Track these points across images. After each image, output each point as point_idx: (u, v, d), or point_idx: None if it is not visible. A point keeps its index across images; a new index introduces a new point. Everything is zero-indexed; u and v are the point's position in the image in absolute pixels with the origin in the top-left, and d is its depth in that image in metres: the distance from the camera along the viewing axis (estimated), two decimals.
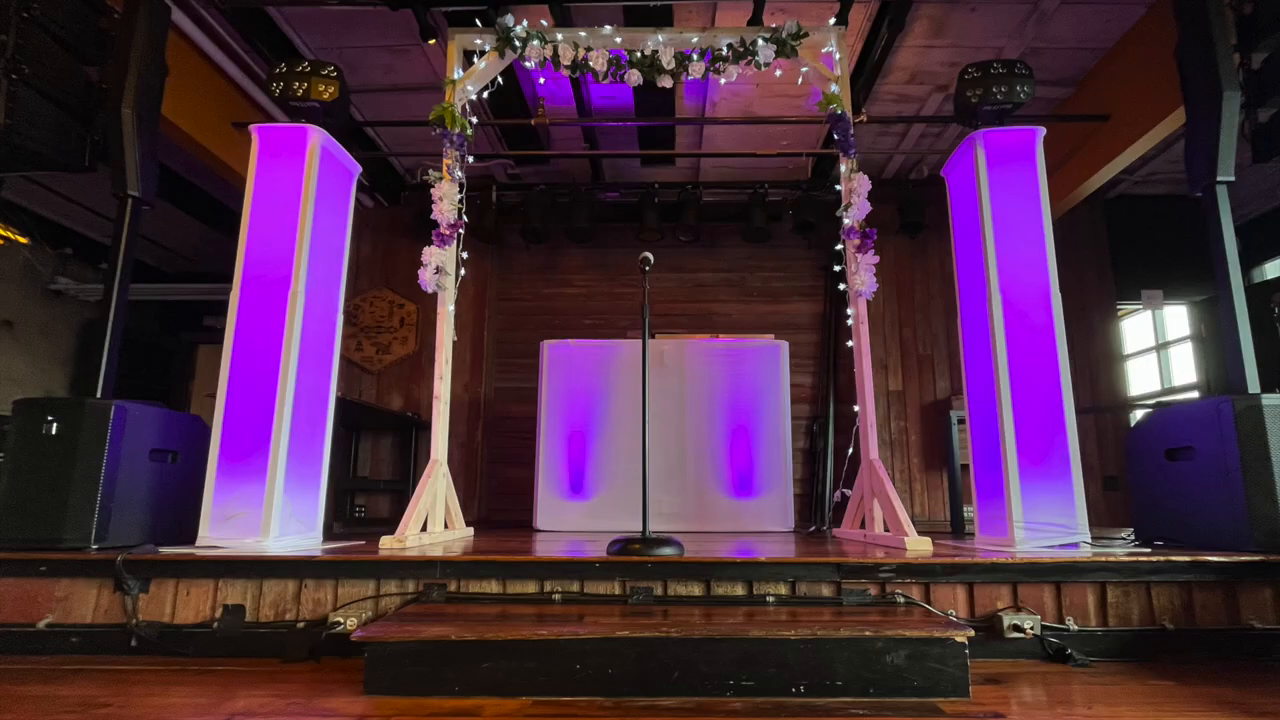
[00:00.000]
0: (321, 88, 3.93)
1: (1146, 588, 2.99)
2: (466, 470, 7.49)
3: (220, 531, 3.36)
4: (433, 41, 5.13)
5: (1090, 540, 3.42)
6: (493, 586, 3.03)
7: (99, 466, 3.26)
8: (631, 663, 2.38)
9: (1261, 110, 3.83)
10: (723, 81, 4.66)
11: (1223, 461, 3.30)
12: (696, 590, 3.01)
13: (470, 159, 4.68)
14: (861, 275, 4.29)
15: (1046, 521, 3.38)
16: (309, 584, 3.03)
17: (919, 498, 7.30)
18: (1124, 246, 7.76)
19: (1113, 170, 5.95)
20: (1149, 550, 3.23)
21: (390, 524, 3.87)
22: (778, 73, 4.65)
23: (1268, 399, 3.22)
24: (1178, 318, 7.95)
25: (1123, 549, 3.30)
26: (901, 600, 2.95)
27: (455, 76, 4.58)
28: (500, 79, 4.86)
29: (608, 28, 4.55)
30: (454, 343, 4.44)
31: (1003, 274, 3.66)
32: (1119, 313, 7.79)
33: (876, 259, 4.31)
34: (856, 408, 4.38)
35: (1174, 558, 2.98)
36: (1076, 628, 2.92)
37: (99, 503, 3.22)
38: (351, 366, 7.68)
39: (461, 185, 4.45)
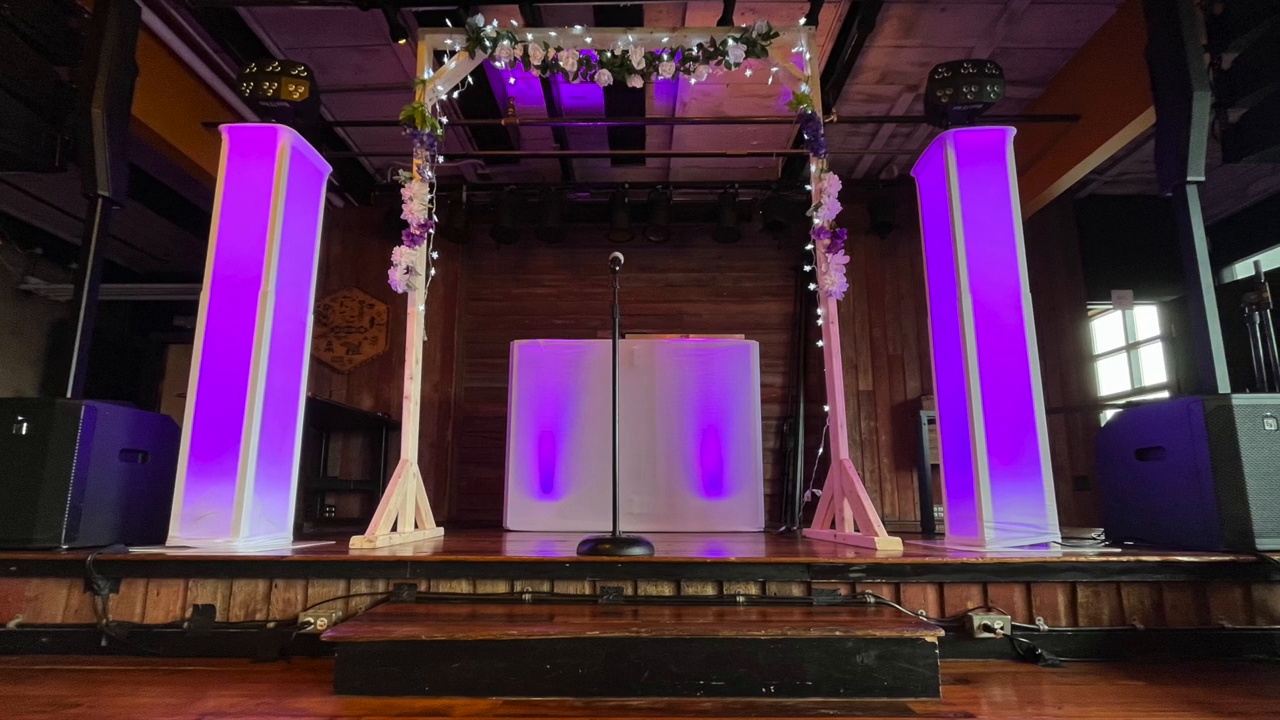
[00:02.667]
0: (292, 88, 3.92)
1: (1117, 588, 3.01)
2: (437, 470, 7.47)
3: (190, 531, 3.34)
4: (403, 41, 5.11)
5: (1060, 540, 3.43)
6: (463, 586, 3.02)
7: (69, 466, 3.24)
8: (601, 663, 2.38)
9: (1232, 110, 3.83)
10: (693, 81, 4.66)
11: (1193, 461, 3.30)
12: (667, 590, 3.01)
13: (440, 159, 4.67)
14: (832, 275, 4.31)
15: (1017, 521, 3.40)
16: (279, 584, 3.02)
17: (889, 498, 7.35)
18: (1094, 246, 7.85)
19: (1083, 170, 5.99)
20: (1119, 550, 3.25)
21: (360, 524, 3.85)
22: (748, 73, 4.66)
23: (1238, 399, 3.22)
24: (1148, 318, 8.05)
25: (1093, 549, 3.32)
26: (872, 600, 2.97)
27: (425, 76, 4.56)
28: (470, 79, 4.85)
29: (578, 28, 4.55)
30: (424, 343, 4.43)
31: (973, 274, 3.67)
32: (1089, 313, 7.88)
33: (847, 259, 4.33)
34: (827, 407, 4.39)
35: (1144, 558, 3.00)
36: (1047, 628, 2.93)
37: (69, 502, 3.21)
38: (322, 366, 7.63)
39: (431, 185, 4.44)
